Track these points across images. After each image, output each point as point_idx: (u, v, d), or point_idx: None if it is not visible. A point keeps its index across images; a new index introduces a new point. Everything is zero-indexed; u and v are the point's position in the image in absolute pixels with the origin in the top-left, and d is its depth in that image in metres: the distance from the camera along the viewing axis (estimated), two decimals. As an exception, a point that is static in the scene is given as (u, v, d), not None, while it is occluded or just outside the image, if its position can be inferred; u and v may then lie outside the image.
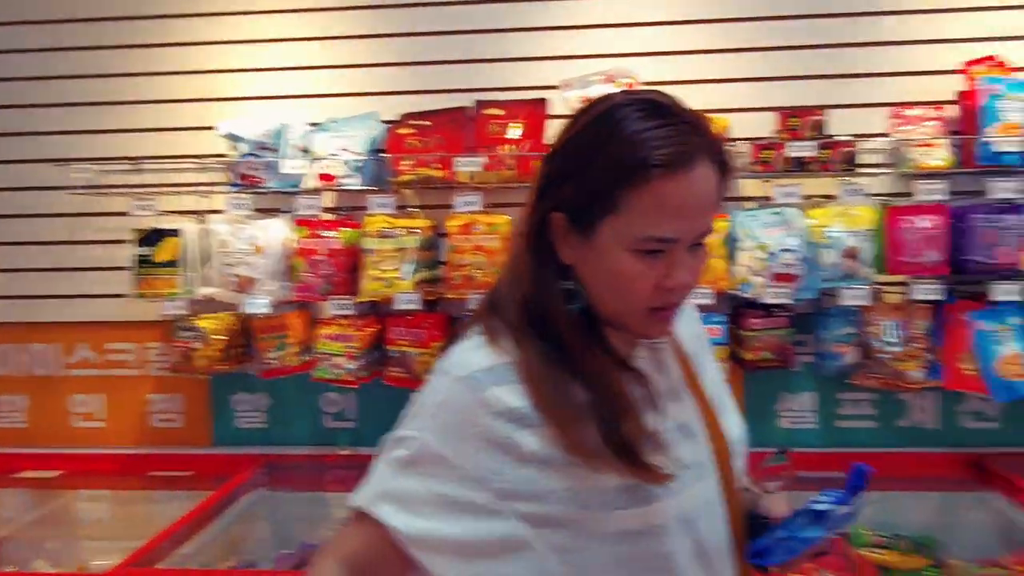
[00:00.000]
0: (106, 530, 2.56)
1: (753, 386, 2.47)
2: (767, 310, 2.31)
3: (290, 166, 2.38)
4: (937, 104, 2.34)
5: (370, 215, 2.37)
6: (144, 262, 2.42)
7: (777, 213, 2.27)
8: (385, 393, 2.40)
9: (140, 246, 2.44)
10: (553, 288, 1.00)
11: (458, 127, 2.41)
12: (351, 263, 2.38)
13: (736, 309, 2.39)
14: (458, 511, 0.96)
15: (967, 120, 2.28)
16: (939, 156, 2.25)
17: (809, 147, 2.25)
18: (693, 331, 1.17)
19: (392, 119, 2.47)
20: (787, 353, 2.34)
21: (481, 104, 2.43)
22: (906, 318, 2.27)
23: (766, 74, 2.48)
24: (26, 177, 2.70)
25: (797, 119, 2.33)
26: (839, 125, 2.35)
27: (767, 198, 2.31)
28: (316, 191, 2.41)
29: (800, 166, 2.28)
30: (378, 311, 2.47)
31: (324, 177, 2.37)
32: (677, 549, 0.98)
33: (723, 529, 1.04)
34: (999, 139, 2.17)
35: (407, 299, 2.30)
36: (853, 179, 2.29)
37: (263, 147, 2.41)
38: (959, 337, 2.26)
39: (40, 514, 2.50)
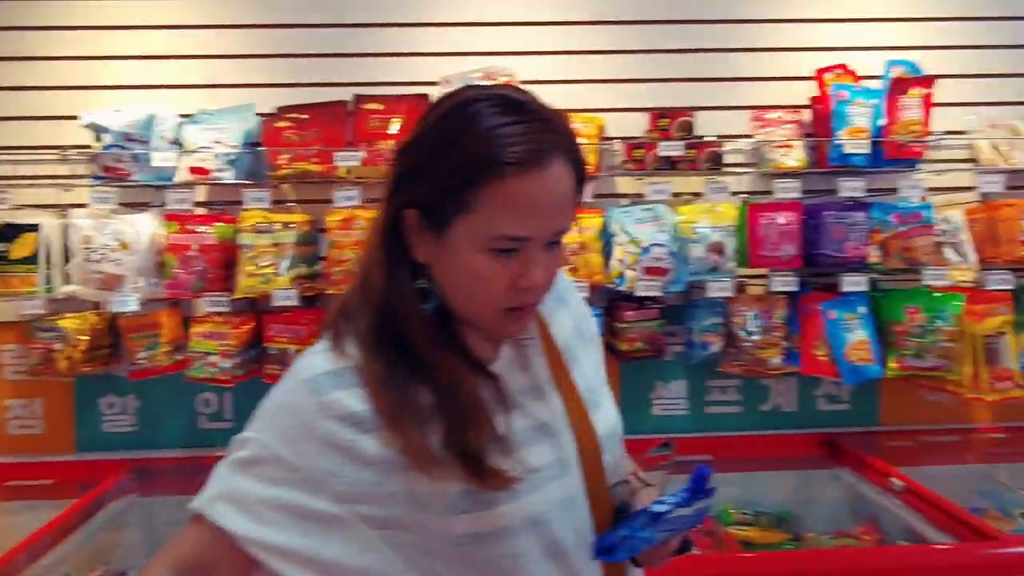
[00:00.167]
0: (-42, 545, 2.39)
1: (628, 376, 2.56)
2: (640, 303, 2.40)
3: (160, 159, 2.29)
4: (794, 108, 2.49)
5: (246, 210, 2.31)
6: (-1, 259, 2.28)
7: (649, 209, 2.36)
8: (263, 391, 2.29)
9: (-6, 242, 2.28)
10: (406, 287, 0.97)
11: (337, 121, 2.38)
12: (225, 259, 2.32)
13: (611, 302, 2.47)
14: (298, 517, 0.94)
15: (820, 124, 2.45)
16: (795, 157, 2.41)
17: (678, 147, 2.36)
18: (574, 322, 1.15)
19: (268, 112, 2.42)
20: (659, 343, 2.45)
21: (360, 99, 2.41)
22: (766, 308, 2.41)
23: (639, 76, 2.57)
24: None
25: (667, 120, 2.44)
26: (706, 126, 2.48)
27: (640, 195, 2.40)
28: (188, 185, 2.33)
29: (670, 165, 2.38)
30: (255, 308, 2.41)
31: (196, 170, 2.30)
32: (525, 550, 0.96)
33: (585, 526, 1.02)
34: (848, 142, 2.34)
35: (284, 295, 2.26)
36: (718, 177, 2.41)
37: (130, 138, 2.31)
38: (813, 326, 2.42)
39: None
